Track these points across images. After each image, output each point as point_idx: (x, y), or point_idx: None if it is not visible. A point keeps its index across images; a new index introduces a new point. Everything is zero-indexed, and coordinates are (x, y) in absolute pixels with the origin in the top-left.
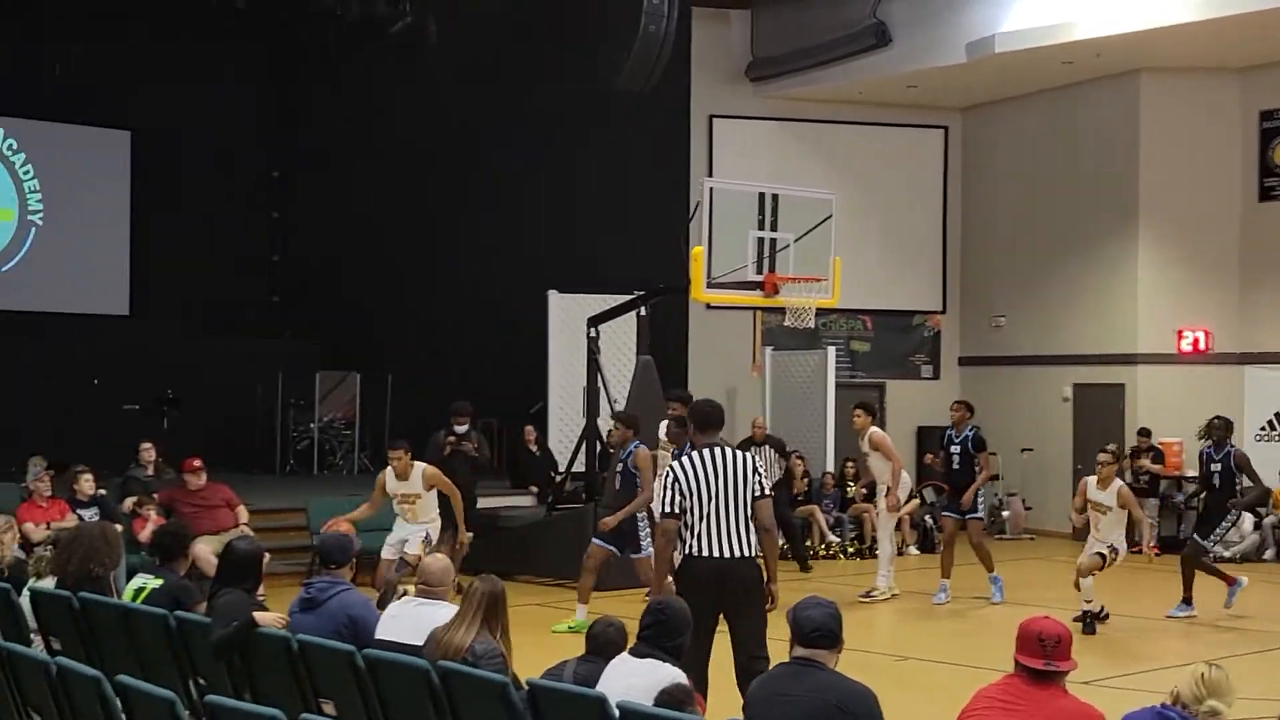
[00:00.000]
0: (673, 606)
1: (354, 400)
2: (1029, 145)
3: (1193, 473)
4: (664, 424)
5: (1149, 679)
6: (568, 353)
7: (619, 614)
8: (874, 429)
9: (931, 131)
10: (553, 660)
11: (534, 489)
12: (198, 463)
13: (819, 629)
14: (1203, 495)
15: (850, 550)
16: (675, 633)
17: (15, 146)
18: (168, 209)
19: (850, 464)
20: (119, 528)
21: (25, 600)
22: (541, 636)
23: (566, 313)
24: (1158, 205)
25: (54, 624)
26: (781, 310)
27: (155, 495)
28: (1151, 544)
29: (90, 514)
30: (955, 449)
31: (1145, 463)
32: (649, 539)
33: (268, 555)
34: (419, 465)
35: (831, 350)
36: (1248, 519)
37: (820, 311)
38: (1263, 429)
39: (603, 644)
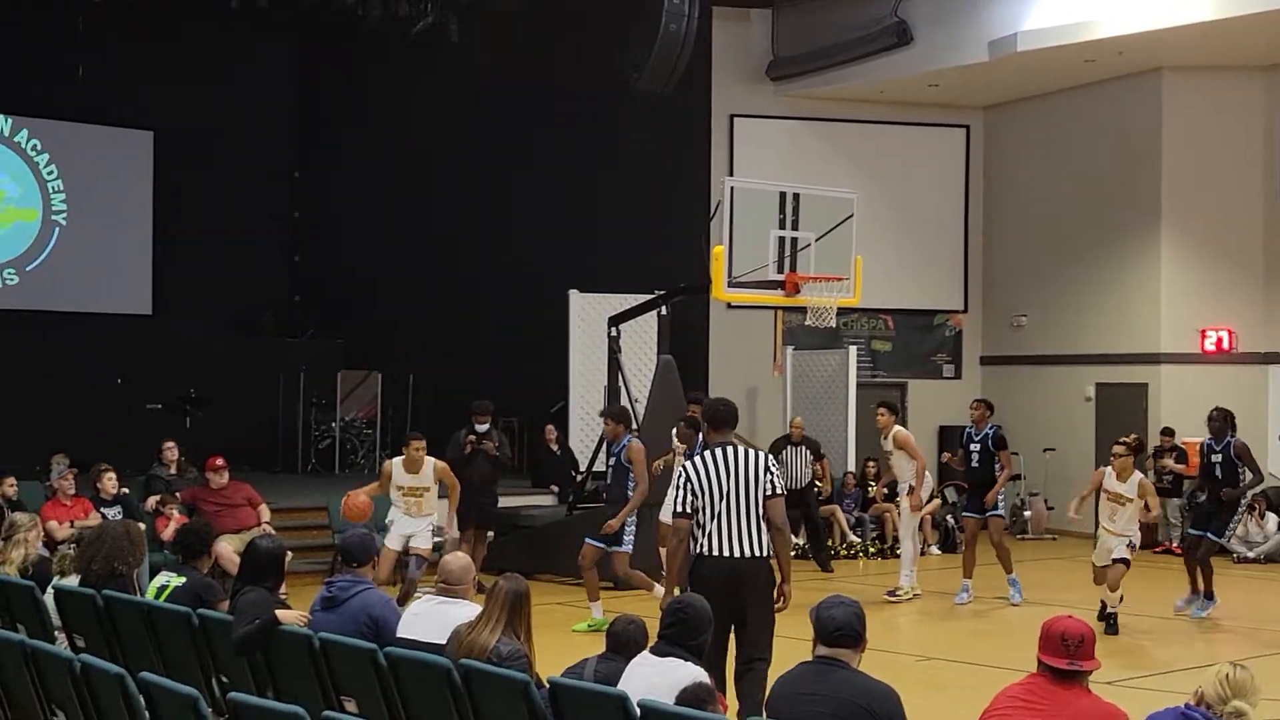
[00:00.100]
0: (694, 605)
1: (376, 399)
2: (1051, 144)
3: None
4: (675, 428)
5: (1172, 680)
6: (588, 352)
7: (636, 613)
8: (898, 428)
9: (953, 130)
10: (574, 659)
11: (554, 488)
12: (220, 461)
13: (842, 628)
14: (1204, 488)
15: (872, 550)
16: (697, 631)
17: (39, 147)
18: (190, 209)
19: (871, 464)
20: (142, 526)
21: (50, 598)
22: (562, 635)
23: (587, 312)
24: (1180, 204)
25: (78, 621)
26: (802, 310)
27: (178, 494)
28: (1175, 544)
29: (113, 512)
30: (975, 447)
31: (1168, 462)
32: (632, 534)
33: (290, 554)
34: (430, 459)
35: (853, 350)
36: (1272, 519)
37: (841, 311)
38: None
39: (624, 642)
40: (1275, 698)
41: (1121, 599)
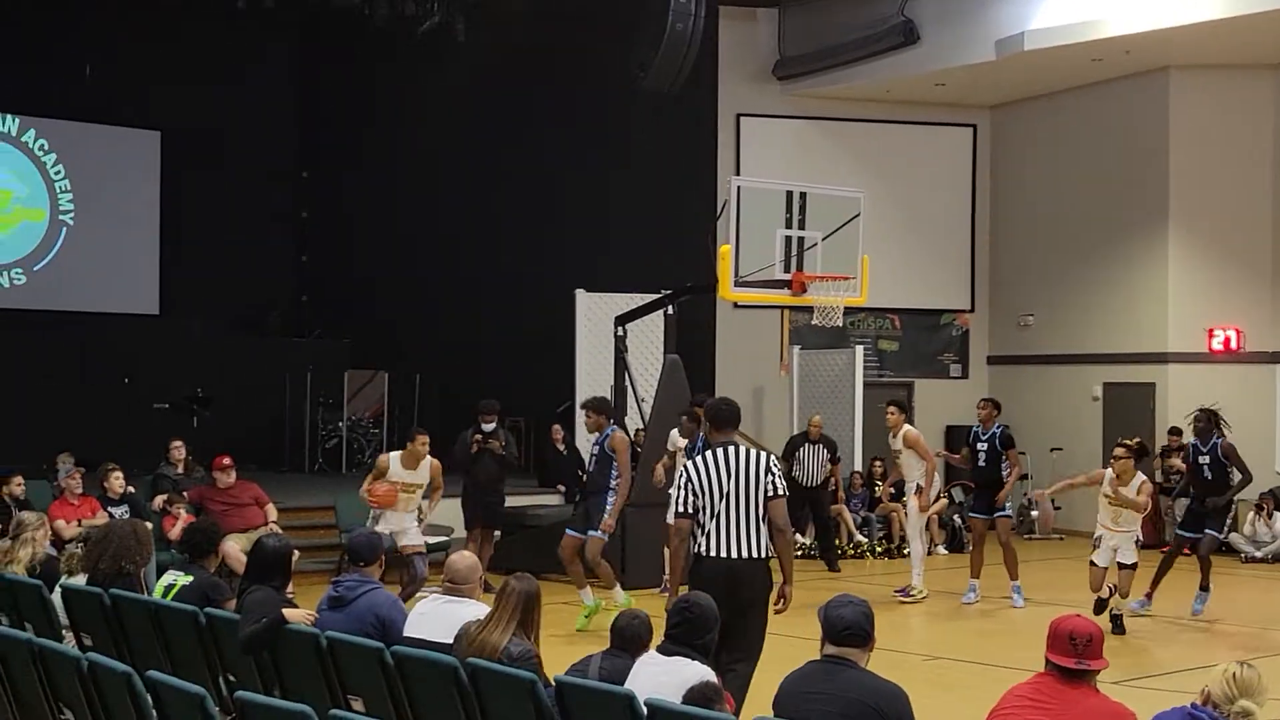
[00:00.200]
0: (701, 604)
1: (382, 399)
2: (1058, 143)
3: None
4: (674, 429)
5: (1179, 679)
6: (595, 352)
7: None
8: (908, 427)
9: (960, 130)
10: (579, 657)
11: (561, 488)
12: (227, 461)
13: (850, 627)
14: (1191, 489)
15: (879, 550)
16: (703, 630)
17: (46, 147)
18: (197, 208)
19: (878, 463)
20: (149, 525)
21: (57, 597)
22: (568, 634)
23: (594, 312)
24: (1188, 203)
25: (85, 620)
26: (809, 309)
27: (185, 493)
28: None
29: (121, 511)
30: (982, 447)
31: (1176, 462)
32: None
33: (296, 553)
34: (428, 457)
35: (859, 349)
36: (1278, 518)
37: (848, 310)
38: None
39: (629, 637)
40: None
41: (1112, 590)
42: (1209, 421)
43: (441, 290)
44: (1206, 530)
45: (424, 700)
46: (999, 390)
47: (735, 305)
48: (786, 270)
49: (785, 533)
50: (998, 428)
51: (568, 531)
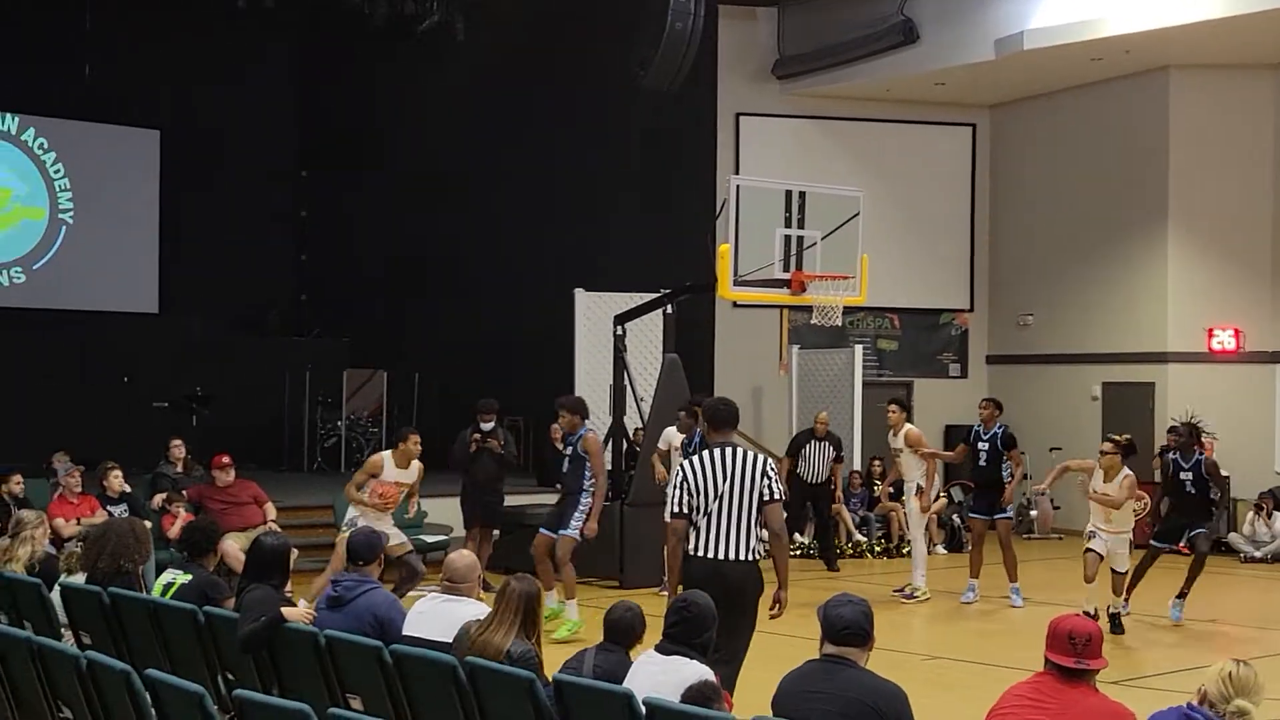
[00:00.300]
0: (699, 603)
1: (381, 398)
2: (1057, 143)
3: (1225, 473)
4: (669, 426)
5: (1175, 679)
6: (594, 351)
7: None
8: (909, 426)
9: (959, 129)
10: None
11: (559, 487)
12: (226, 460)
13: (849, 626)
14: (1171, 502)
15: (878, 549)
16: (702, 629)
17: (46, 146)
18: (196, 207)
19: (877, 462)
20: (148, 524)
21: (56, 595)
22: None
23: (593, 311)
24: (1188, 202)
25: (84, 619)
26: (808, 308)
27: (184, 492)
28: (1181, 544)
29: (120, 510)
30: (983, 447)
31: None
32: (579, 519)
33: (295, 551)
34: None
35: (859, 349)
36: (1277, 518)
37: (847, 310)
38: None
39: (622, 629)
40: (1279, 697)
41: (1096, 610)
42: (1191, 436)
43: (441, 289)
44: (1201, 530)
45: (423, 699)
46: (998, 390)
47: (734, 304)
48: (786, 269)
49: (781, 537)
50: (999, 428)
51: (541, 530)
